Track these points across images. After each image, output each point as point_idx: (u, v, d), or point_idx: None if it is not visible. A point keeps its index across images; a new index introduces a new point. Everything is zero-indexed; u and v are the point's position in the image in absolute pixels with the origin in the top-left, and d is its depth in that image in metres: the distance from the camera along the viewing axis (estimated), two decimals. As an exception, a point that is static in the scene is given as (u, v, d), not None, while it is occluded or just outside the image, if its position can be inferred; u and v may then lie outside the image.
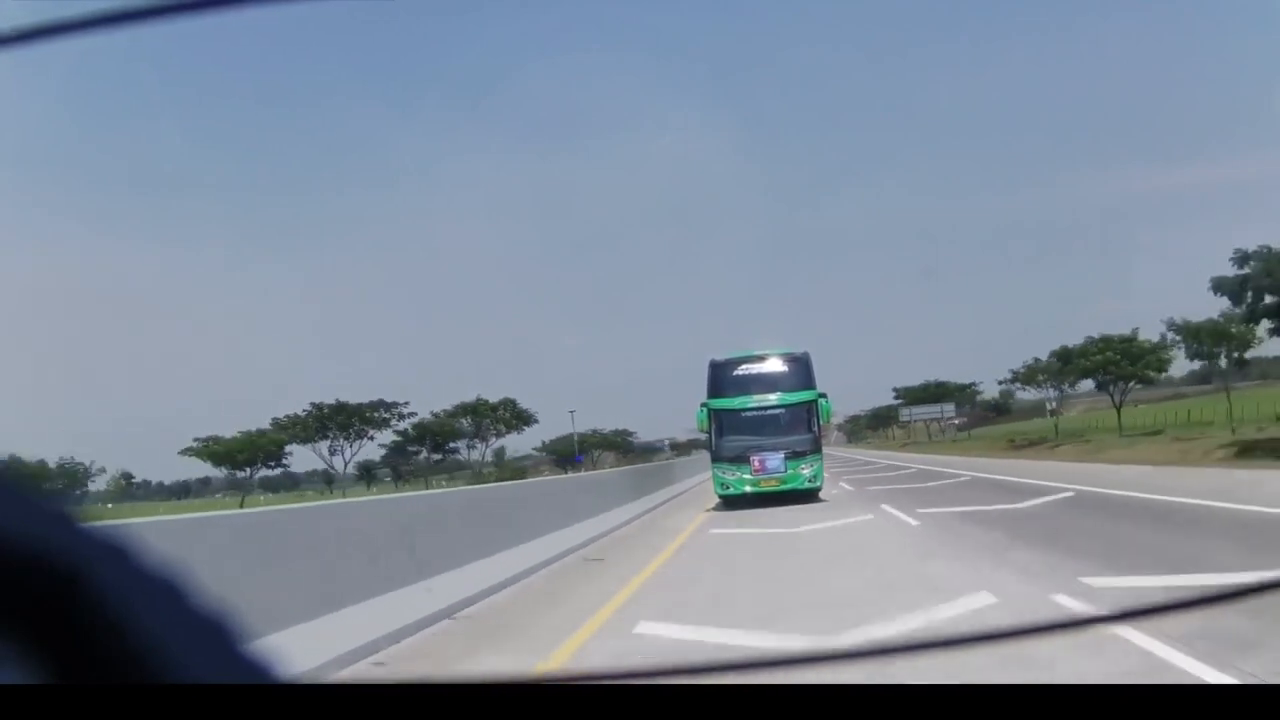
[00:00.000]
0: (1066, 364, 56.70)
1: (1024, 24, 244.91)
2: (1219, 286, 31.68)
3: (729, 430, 19.53)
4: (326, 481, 73.77)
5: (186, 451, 59.14)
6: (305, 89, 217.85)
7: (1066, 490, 17.45)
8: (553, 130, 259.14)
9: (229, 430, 59.38)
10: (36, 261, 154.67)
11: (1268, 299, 31.88)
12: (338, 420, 60.12)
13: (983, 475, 25.84)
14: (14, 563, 0.39)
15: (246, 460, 59.38)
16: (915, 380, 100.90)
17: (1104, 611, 5.21)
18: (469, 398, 70.80)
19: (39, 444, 59.82)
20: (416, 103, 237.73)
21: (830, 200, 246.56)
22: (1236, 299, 32.20)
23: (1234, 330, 38.67)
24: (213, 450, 58.39)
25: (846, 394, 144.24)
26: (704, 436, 21.09)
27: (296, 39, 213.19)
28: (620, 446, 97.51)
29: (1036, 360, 65.92)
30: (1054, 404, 78.11)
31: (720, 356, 20.26)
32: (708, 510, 18.67)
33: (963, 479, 25.01)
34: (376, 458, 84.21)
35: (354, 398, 61.87)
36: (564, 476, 30.40)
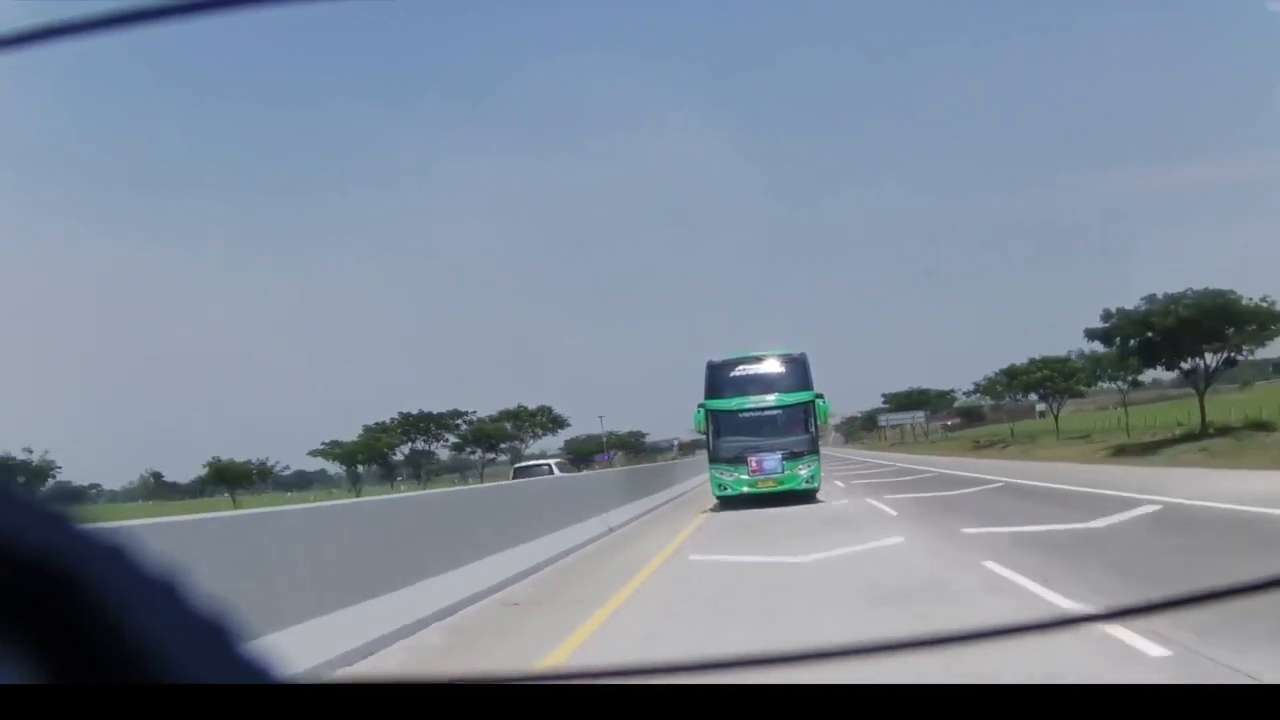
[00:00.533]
0: (1013, 379, 69.75)
1: (1024, 24, 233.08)
2: (1091, 335, 44.15)
3: (726, 431, 19.94)
4: (353, 481, 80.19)
5: (315, 452, 71.64)
6: (305, 89, 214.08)
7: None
8: (553, 130, 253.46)
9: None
10: (36, 262, 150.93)
11: (1133, 343, 44.65)
12: (419, 426, 73.18)
13: (909, 465, 38.81)
14: (14, 563, 0.39)
15: (365, 460, 71.73)
16: (915, 382, 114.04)
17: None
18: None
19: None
20: (416, 103, 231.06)
21: (830, 200, 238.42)
22: (1107, 343, 44.83)
23: (1127, 360, 51.49)
24: (335, 452, 70.80)
25: (846, 395, 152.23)
26: (703, 437, 21.57)
27: (296, 39, 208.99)
28: (633, 446, 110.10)
29: (996, 374, 78.85)
30: (1043, 407, 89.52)
31: (717, 357, 20.59)
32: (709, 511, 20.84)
33: (892, 467, 38.08)
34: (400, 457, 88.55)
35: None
36: (608, 470, 41.31)
